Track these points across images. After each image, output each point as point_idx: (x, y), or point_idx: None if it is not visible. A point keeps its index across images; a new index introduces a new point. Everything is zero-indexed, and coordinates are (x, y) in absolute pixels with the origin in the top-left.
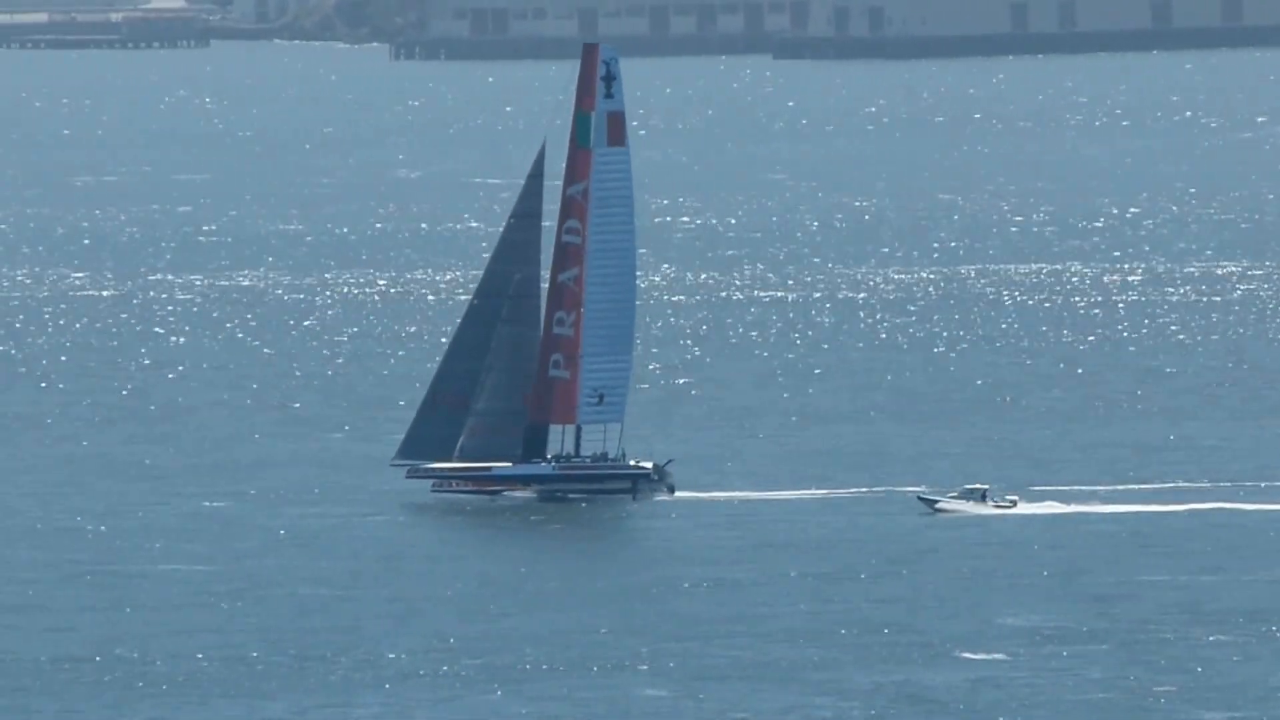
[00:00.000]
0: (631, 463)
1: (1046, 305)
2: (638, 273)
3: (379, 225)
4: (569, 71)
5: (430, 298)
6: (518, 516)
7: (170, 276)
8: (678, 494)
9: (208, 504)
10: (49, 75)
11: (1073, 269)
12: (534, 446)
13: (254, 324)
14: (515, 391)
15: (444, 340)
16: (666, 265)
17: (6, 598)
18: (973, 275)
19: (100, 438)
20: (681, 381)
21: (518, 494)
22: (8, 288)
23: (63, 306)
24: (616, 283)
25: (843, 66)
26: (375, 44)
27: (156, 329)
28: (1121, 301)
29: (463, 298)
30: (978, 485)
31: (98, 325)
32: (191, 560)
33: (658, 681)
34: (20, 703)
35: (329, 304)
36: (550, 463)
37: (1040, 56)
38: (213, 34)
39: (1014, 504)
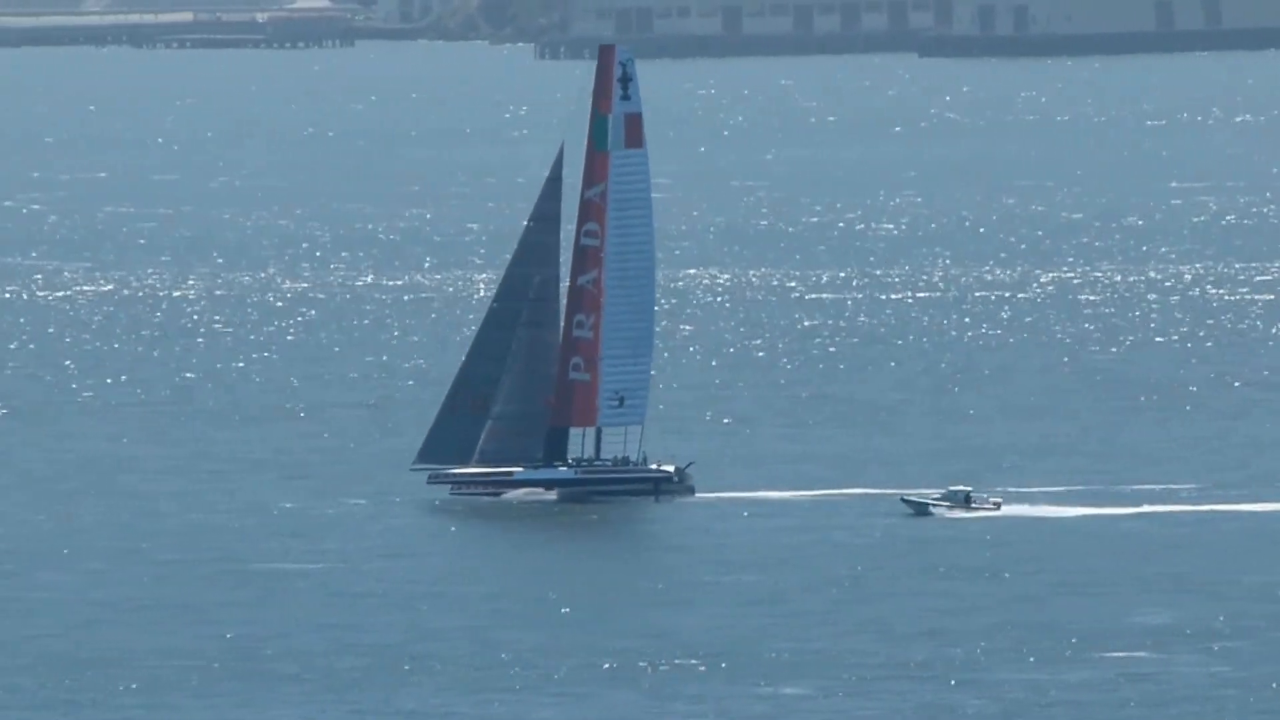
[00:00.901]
0: (653, 466)
1: (1173, 304)
2: (661, 272)
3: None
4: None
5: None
6: (567, 518)
7: (306, 276)
8: (697, 495)
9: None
10: (193, 75)
11: (1202, 268)
12: (555, 450)
13: (371, 323)
14: (535, 394)
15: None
16: (760, 266)
17: (150, 595)
18: (1067, 278)
19: (239, 435)
20: (716, 381)
21: (534, 496)
22: (154, 286)
23: (201, 305)
24: (635, 285)
25: (987, 64)
26: (519, 44)
27: (294, 326)
28: (1257, 301)
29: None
30: (961, 487)
31: (233, 324)
32: (318, 559)
33: (798, 681)
34: (163, 699)
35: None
36: (571, 467)
37: (1185, 54)
38: (357, 34)
39: (998, 505)
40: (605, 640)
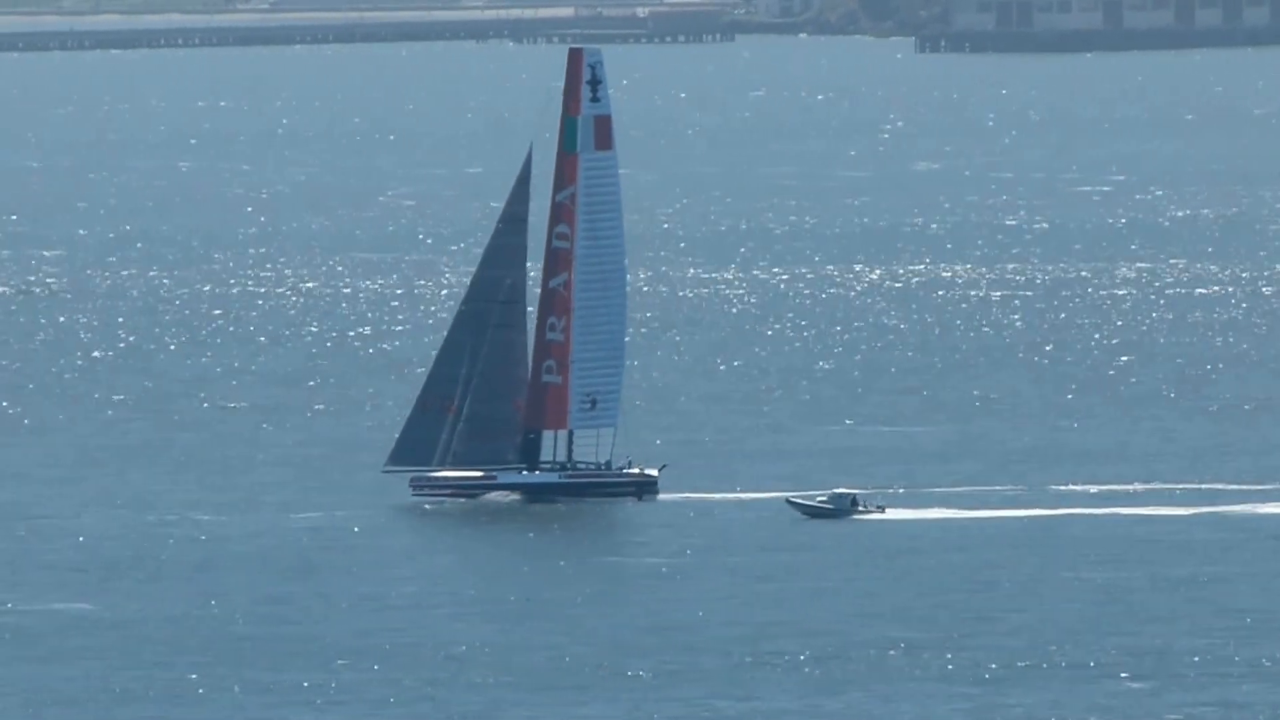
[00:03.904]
0: (636, 470)
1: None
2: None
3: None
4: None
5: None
6: (541, 519)
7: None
8: (660, 497)
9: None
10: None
11: None
12: (529, 453)
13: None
14: (506, 396)
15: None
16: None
17: (433, 594)
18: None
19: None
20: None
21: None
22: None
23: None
24: (605, 287)
25: None
26: (900, 37)
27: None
28: None
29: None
30: (847, 490)
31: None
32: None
33: (1119, 679)
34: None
35: None
36: (556, 470)
37: None
38: (738, 28)
39: (882, 509)
40: (581, 639)
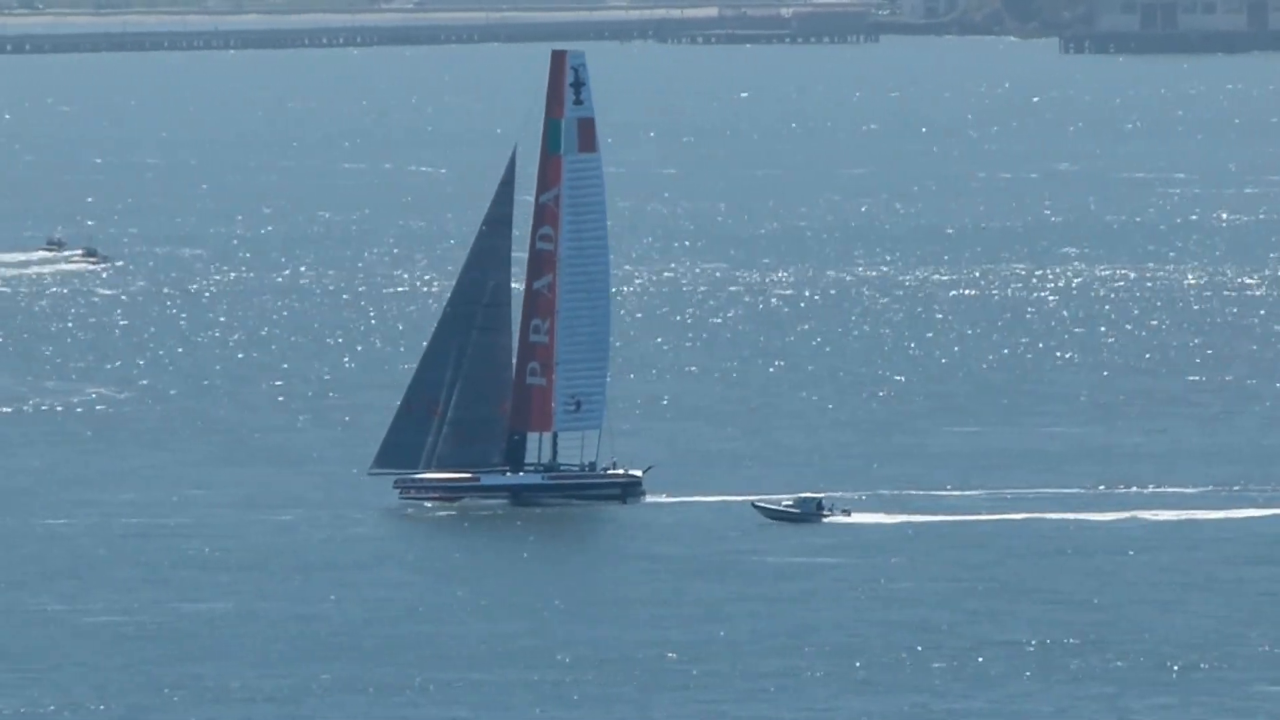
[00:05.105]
0: (620, 471)
1: None
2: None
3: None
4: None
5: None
6: (526, 522)
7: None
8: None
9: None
10: (719, 70)
11: None
12: (514, 455)
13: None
14: (490, 399)
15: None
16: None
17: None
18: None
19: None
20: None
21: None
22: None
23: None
24: (589, 289)
25: None
26: (1044, 38)
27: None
28: None
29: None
30: (812, 495)
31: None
32: None
33: (1256, 682)
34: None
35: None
36: (541, 472)
37: None
38: (882, 29)
39: (848, 513)
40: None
